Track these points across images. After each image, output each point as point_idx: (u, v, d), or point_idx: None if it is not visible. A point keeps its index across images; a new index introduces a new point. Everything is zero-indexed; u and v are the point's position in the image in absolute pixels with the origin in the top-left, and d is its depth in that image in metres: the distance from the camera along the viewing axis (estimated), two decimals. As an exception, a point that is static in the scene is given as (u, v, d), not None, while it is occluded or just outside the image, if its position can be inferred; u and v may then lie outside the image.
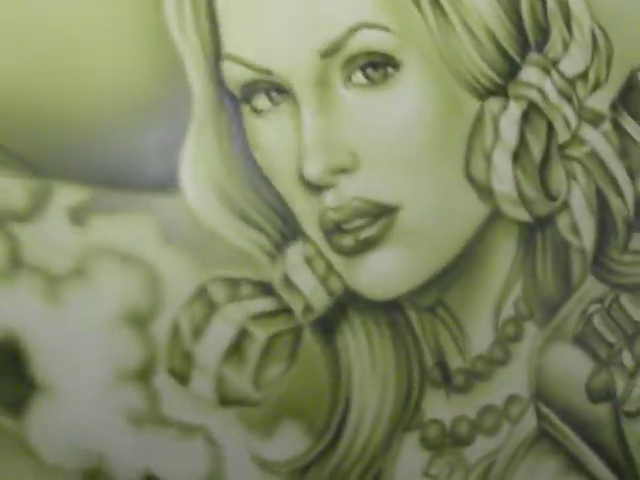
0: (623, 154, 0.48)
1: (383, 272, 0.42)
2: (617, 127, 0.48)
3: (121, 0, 0.40)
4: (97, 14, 0.40)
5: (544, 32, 0.45)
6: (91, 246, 0.39)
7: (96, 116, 0.39)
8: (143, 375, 0.39)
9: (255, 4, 0.40)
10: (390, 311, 0.44)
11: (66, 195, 0.38)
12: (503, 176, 0.44)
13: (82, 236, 0.39)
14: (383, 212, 0.42)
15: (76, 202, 0.39)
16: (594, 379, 0.48)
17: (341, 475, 0.44)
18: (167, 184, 0.40)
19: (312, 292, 0.42)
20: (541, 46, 0.45)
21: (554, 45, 0.45)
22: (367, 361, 0.44)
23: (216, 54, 0.41)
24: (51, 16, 0.39)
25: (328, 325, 0.43)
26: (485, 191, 0.44)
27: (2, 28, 0.39)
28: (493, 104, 0.44)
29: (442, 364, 0.46)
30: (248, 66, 0.40)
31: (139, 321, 0.40)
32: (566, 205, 0.47)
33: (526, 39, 0.45)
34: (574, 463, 0.48)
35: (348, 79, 0.41)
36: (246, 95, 0.41)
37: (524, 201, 0.45)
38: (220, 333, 0.41)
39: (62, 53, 0.38)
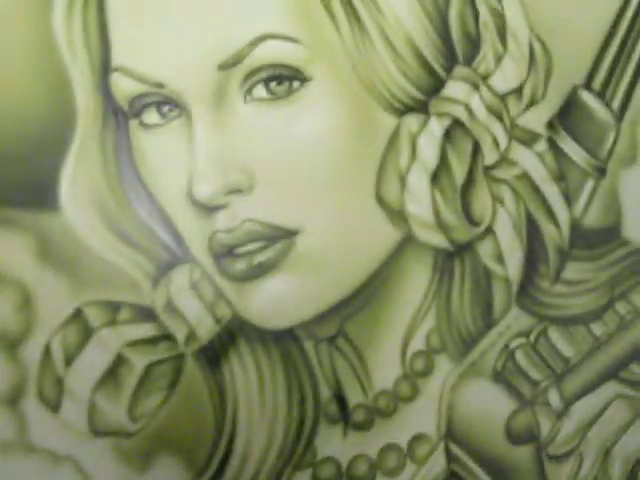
0: (559, 177, 0.55)
1: (277, 300, 0.49)
2: (554, 147, 0.55)
3: (8, 17, 0.46)
4: None
5: (474, 44, 0.51)
6: None
7: None
8: (11, 400, 0.47)
9: (147, 13, 0.47)
10: (283, 341, 0.52)
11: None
12: (419, 198, 0.51)
13: None
14: (280, 236, 0.48)
15: None
16: (515, 419, 0.55)
17: (222, 515, 0.52)
18: (46, 200, 0.47)
19: (197, 319, 0.49)
20: (470, 59, 0.51)
21: (485, 58, 0.51)
22: (255, 393, 0.52)
23: (105, 67, 0.48)
24: None
25: (214, 354, 0.51)
26: (397, 214, 0.51)
27: None
28: (411, 121, 0.50)
29: (340, 398, 0.53)
30: (138, 79, 0.47)
31: (9, 343, 0.47)
32: (490, 231, 0.54)
33: (453, 52, 0.51)
34: (487, 509, 0.55)
35: (248, 93, 0.48)
36: (135, 109, 0.48)
37: (441, 226, 0.51)
38: (95, 359, 0.48)
39: None
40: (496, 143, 0.51)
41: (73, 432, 0.48)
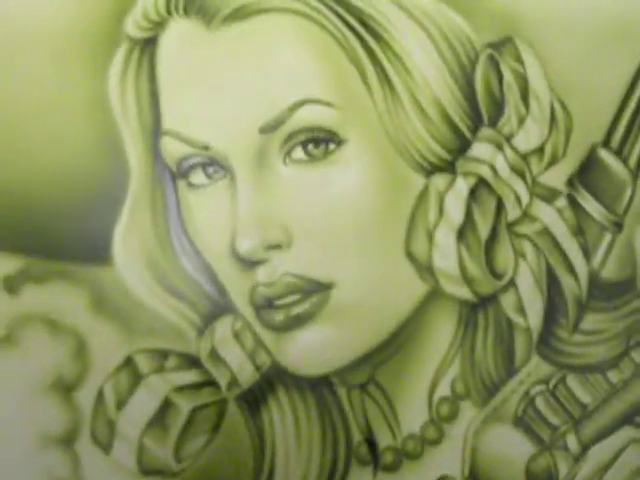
0: (578, 232, 0.58)
1: (312, 349, 0.53)
2: (573, 203, 0.58)
3: (67, 83, 0.51)
4: (44, 95, 0.51)
5: (498, 106, 0.54)
6: (22, 314, 0.50)
7: (33, 190, 0.51)
8: (66, 441, 0.51)
9: (194, 82, 0.51)
10: (318, 387, 0.55)
11: (1, 264, 0.50)
12: (446, 254, 0.54)
13: (14, 304, 0.50)
14: (316, 289, 0.52)
15: (10, 271, 0.50)
16: (535, 462, 0.58)
17: None
18: (100, 254, 0.51)
19: (239, 366, 0.53)
20: (495, 121, 0.54)
21: (509, 120, 0.54)
22: (292, 436, 0.55)
23: (155, 130, 0.52)
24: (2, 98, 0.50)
25: (254, 399, 0.54)
26: (425, 268, 0.54)
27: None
28: (439, 180, 0.54)
29: (370, 441, 0.57)
30: (186, 141, 0.51)
31: (65, 388, 0.51)
32: (512, 283, 0.57)
33: (479, 113, 0.54)
34: None
35: (288, 155, 0.51)
36: (183, 170, 0.52)
37: (467, 280, 0.54)
38: (144, 403, 0.52)
39: (10, 133, 0.50)
40: (518, 200, 0.54)
41: (123, 472, 0.51)
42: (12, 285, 0.50)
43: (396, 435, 0.57)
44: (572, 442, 0.57)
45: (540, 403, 0.57)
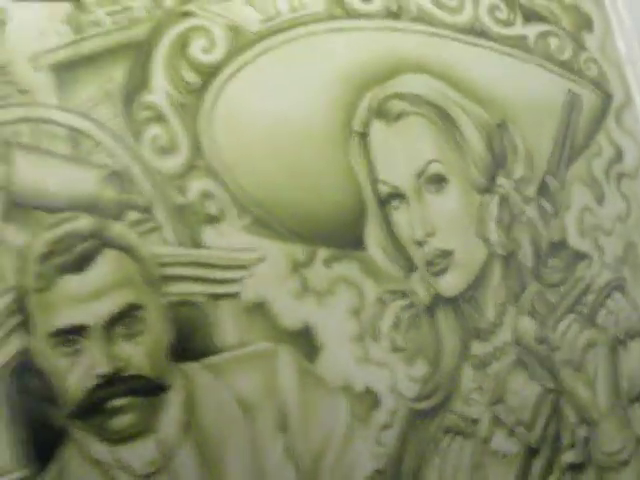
0: None
1: (449, 284, 1.10)
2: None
3: (324, 156, 1.04)
4: (315, 165, 1.04)
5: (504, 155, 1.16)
6: (332, 278, 1.03)
7: (315, 209, 1.03)
8: None
9: (389, 148, 1.06)
10: (455, 301, 1.12)
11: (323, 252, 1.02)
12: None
13: (328, 272, 1.03)
14: (448, 255, 1.10)
15: (324, 254, 1.03)
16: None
17: None
18: (359, 246, 1.05)
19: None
20: (504, 164, 1.15)
21: (512, 163, 1.15)
22: (444, 329, 1.13)
23: (373, 179, 1.07)
24: (302, 157, 1.03)
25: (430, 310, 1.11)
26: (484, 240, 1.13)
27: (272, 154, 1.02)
28: (486, 197, 1.14)
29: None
30: (388, 185, 1.07)
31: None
32: None
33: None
34: None
35: (426, 189, 1.09)
36: (388, 200, 1.07)
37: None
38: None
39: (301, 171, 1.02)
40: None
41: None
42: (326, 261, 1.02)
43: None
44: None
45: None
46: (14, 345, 0.89)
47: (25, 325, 0.90)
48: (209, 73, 1.00)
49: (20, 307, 0.90)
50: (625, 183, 1.25)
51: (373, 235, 1.08)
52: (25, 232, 0.90)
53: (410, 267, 1.10)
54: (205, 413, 0.95)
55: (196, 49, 0.99)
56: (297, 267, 1.01)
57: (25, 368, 0.90)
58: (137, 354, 0.92)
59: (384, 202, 1.09)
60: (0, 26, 0.91)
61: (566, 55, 1.23)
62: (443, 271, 1.10)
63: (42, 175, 0.91)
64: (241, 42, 1.02)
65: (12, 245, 0.89)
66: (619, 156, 1.26)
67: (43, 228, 0.91)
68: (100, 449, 0.91)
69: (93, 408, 0.90)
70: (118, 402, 0.91)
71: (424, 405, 1.06)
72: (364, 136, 1.08)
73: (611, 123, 1.25)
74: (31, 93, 0.92)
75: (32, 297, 0.90)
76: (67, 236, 0.91)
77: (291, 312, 1.00)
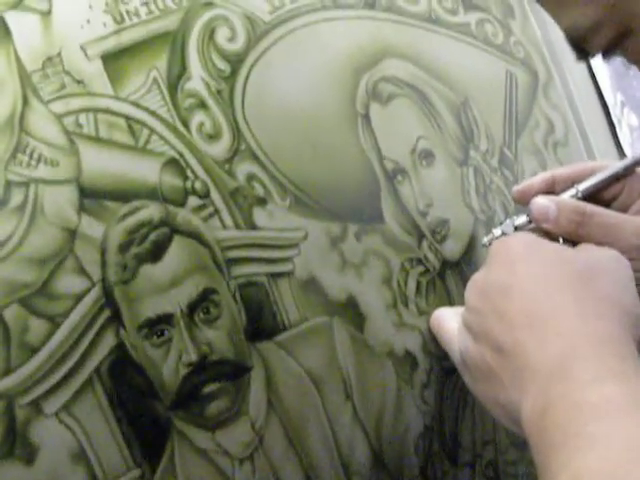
0: None
1: (452, 249, 1.16)
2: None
3: (339, 137, 1.08)
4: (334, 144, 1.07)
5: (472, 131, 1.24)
6: (365, 250, 1.06)
7: (344, 187, 1.07)
8: None
9: (386, 130, 1.12)
10: (459, 265, 1.19)
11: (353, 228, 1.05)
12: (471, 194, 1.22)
13: (360, 245, 1.06)
14: (445, 222, 1.16)
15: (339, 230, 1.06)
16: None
17: None
18: (375, 219, 1.09)
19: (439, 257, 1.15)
20: (471, 138, 1.24)
21: (479, 138, 1.24)
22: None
23: (380, 157, 1.12)
24: (321, 138, 1.06)
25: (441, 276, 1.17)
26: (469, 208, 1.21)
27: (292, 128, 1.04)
28: (464, 169, 1.22)
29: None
30: (391, 161, 1.12)
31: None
32: None
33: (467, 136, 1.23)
34: None
35: (419, 163, 1.15)
36: (394, 175, 1.12)
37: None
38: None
39: (322, 152, 1.05)
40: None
41: None
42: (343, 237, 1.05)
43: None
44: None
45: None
46: (109, 341, 0.85)
47: (116, 319, 0.86)
48: (236, 61, 1.00)
49: (108, 301, 0.86)
50: (560, 150, 1.38)
51: (388, 208, 1.12)
52: (100, 224, 0.86)
53: (420, 236, 1.15)
54: (285, 390, 0.95)
55: (222, 38, 1.00)
56: (335, 242, 1.03)
57: (124, 364, 0.85)
58: (219, 338, 0.90)
59: (391, 177, 1.14)
60: (45, 15, 0.87)
61: (500, 39, 1.34)
62: (445, 238, 1.16)
63: (106, 165, 0.88)
64: (257, 31, 1.03)
65: (91, 238, 0.85)
66: (552, 128, 1.37)
67: (117, 218, 0.87)
68: (203, 437, 0.89)
69: (190, 397, 0.88)
70: (210, 388, 0.89)
71: (451, 362, 1.11)
72: (367, 117, 1.12)
73: (541, 99, 1.37)
74: (86, 83, 0.88)
75: (118, 289, 0.86)
76: (141, 225, 0.88)
77: (337, 285, 1.02)
